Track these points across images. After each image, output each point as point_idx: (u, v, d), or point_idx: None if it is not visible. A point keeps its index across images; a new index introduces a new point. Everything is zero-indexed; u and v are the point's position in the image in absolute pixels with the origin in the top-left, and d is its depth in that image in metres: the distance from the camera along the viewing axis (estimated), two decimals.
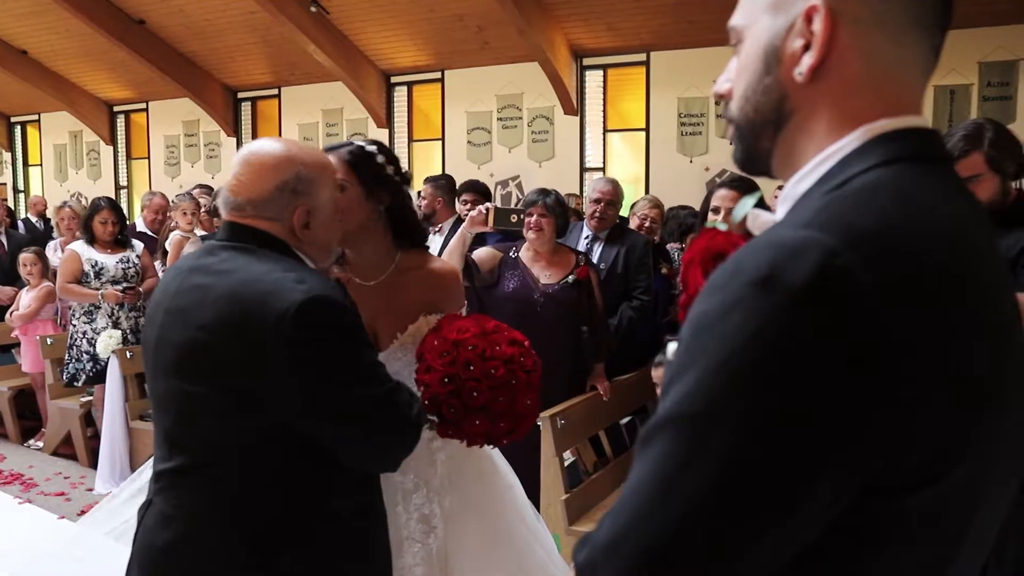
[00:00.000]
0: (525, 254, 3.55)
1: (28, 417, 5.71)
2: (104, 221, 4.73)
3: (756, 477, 0.62)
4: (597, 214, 3.94)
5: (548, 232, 3.46)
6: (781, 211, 0.77)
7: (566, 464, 3.32)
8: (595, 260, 3.90)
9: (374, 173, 1.83)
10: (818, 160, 0.74)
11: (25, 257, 5.27)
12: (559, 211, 3.51)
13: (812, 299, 0.62)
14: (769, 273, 0.63)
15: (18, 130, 14.73)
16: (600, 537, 0.68)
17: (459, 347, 1.67)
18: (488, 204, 2.80)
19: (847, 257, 0.62)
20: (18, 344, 5.56)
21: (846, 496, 0.64)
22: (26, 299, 5.27)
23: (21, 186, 14.70)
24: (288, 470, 1.40)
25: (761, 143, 0.79)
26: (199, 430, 1.43)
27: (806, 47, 0.72)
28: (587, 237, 4.03)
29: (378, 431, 1.44)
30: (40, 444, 5.26)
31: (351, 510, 1.48)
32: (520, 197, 8.77)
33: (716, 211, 2.60)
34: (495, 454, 2.07)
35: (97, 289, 4.67)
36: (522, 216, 2.89)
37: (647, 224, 4.22)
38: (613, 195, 3.99)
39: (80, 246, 4.77)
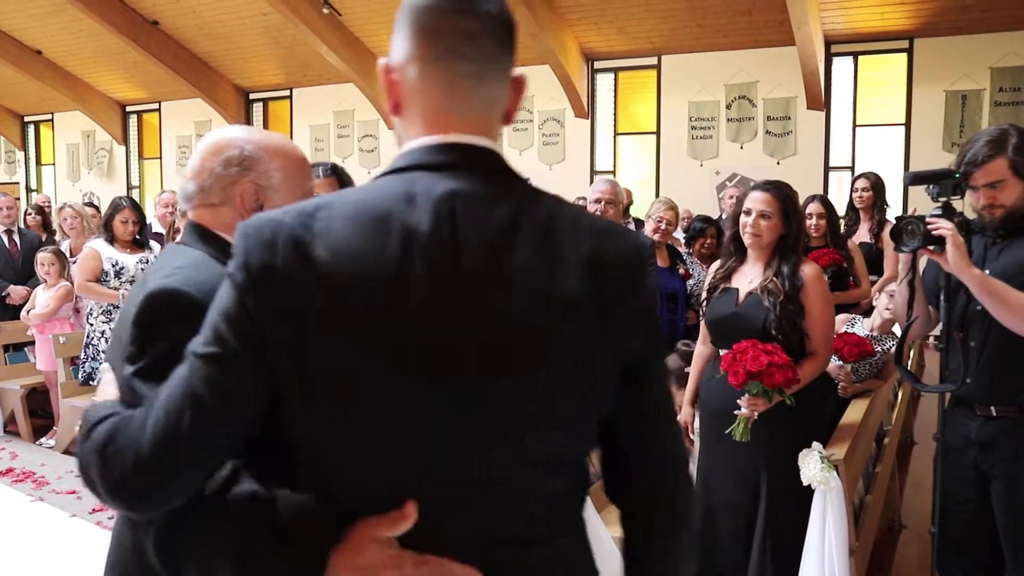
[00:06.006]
0: None
1: (40, 415, 5.75)
2: (125, 220, 4.77)
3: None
4: (597, 214, 3.95)
5: None
6: None
7: None
8: None
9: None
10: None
11: (43, 257, 5.30)
12: None
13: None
14: None
15: (31, 129, 14.83)
16: None
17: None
18: None
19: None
20: (31, 343, 5.59)
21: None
22: (43, 298, 5.29)
23: (34, 185, 14.80)
24: None
25: None
26: None
27: None
28: None
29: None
30: (52, 442, 5.28)
31: None
32: None
33: (748, 213, 2.59)
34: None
35: (116, 288, 4.70)
36: None
37: (663, 226, 4.22)
38: (612, 194, 3.98)
39: (100, 244, 4.80)
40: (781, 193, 2.58)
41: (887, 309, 3.38)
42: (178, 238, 1.44)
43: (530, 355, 0.88)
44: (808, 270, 2.55)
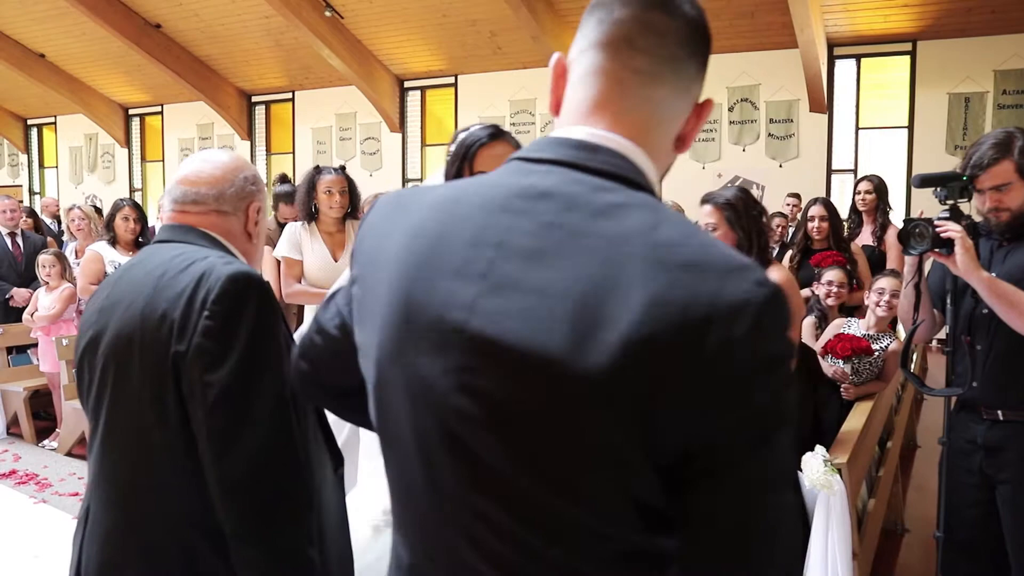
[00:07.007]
0: None
1: (43, 417, 5.75)
2: (126, 218, 4.78)
3: None
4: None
5: None
6: None
7: None
8: None
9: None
10: None
11: (45, 259, 5.31)
12: None
13: None
14: None
15: (34, 132, 14.85)
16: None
17: None
18: None
19: None
20: (33, 345, 5.59)
21: None
22: (47, 300, 5.29)
23: (36, 188, 14.82)
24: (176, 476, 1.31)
25: None
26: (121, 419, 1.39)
27: None
28: None
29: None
30: (55, 444, 5.28)
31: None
32: None
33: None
34: None
35: None
36: None
37: None
38: None
39: (102, 247, 4.80)
40: (721, 200, 2.50)
41: (878, 305, 3.38)
42: (163, 236, 1.46)
43: (520, 406, 0.72)
44: (775, 275, 2.53)
